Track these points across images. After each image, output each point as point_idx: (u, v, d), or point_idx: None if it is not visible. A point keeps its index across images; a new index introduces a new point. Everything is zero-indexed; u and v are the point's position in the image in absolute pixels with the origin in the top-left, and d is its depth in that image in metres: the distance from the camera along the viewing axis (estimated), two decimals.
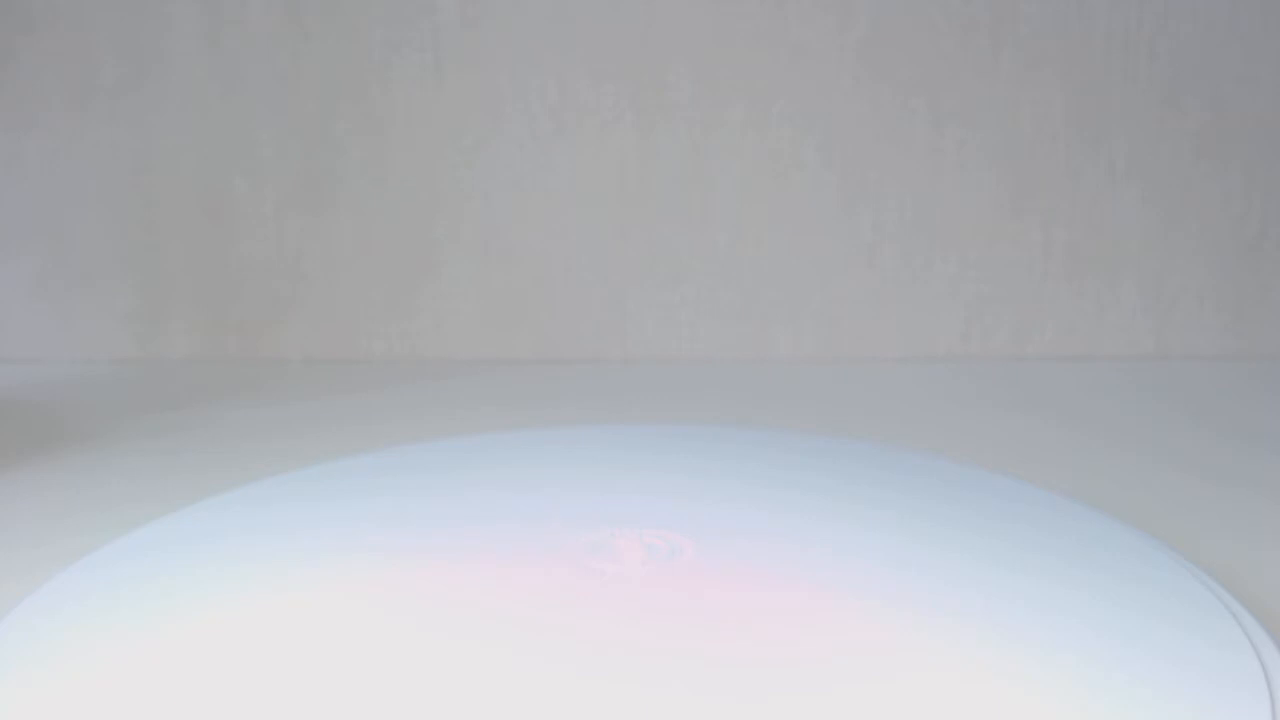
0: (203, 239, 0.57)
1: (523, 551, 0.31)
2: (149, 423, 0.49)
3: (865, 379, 0.55)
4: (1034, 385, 0.54)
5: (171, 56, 0.55)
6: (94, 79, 0.56)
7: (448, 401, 0.52)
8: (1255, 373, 0.55)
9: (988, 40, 0.55)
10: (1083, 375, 0.55)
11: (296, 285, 0.57)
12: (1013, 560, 0.31)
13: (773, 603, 0.29)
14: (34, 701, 0.25)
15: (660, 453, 0.40)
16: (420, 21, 0.55)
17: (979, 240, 0.57)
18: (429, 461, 0.39)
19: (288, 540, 0.33)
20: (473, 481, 0.37)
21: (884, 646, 0.27)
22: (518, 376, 0.55)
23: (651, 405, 0.52)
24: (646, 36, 0.55)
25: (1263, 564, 0.35)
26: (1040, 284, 0.57)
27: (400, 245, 0.57)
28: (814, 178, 0.56)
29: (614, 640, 0.27)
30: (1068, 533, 0.33)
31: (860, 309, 0.57)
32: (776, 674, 0.26)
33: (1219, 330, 0.57)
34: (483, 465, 0.39)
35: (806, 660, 0.26)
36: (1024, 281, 0.57)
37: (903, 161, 0.56)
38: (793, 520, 0.33)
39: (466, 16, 0.55)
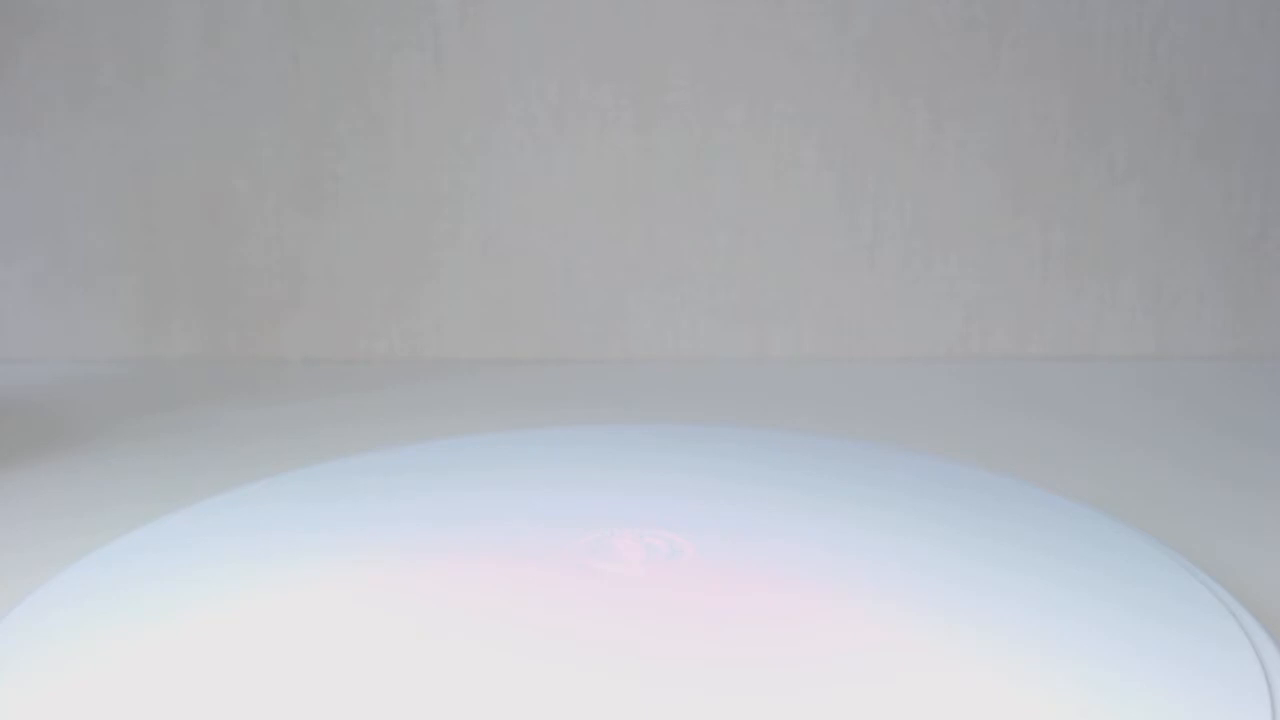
0: (203, 239, 0.57)
1: (522, 551, 0.31)
2: (149, 423, 0.49)
3: (865, 379, 0.55)
4: (1034, 385, 0.54)
5: (171, 56, 0.55)
6: (94, 79, 0.56)
7: (448, 401, 0.52)
8: (1255, 373, 0.55)
9: (988, 40, 0.55)
10: (1083, 375, 0.55)
11: (296, 285, 0.57)
12: (1013, 560, 0.31)
13: (773, 603, 0.29)
14: (34, 701, 0.25)
15: (660, 453, 0.40)
16: (420, 21, 0.55)
17: (979, 240, 0.57)
18: (429, 462, 0.39)
19: (287, 540, 0.33)
20: (472, 482, 0.37)
21: (884, 646, 0.27)
22: (518, 376, 0.55)
23: (651, 405, 0.52)
24: (646, 36, 0.55)
25: (1263, 563, 0.35)
26: (1040, 284, 0.57)
27: (400, 245, 0.57)
28: (814, 178, 0.56)
29: (614, 640, 0.27)
30: (1068, 532, 0.33)
31: (860, 309, 0.57)
32: (777, 674, 0.26)
33: (1219, 330, 0.57)
34: (482, 465, 0.39)
35: (807, 660, 0.26)
36: (1024, 281, 0.57)
37: (903, 161, 0.56)
38: (793, 520, 0.33)
39: (466, 16, 0.55)
